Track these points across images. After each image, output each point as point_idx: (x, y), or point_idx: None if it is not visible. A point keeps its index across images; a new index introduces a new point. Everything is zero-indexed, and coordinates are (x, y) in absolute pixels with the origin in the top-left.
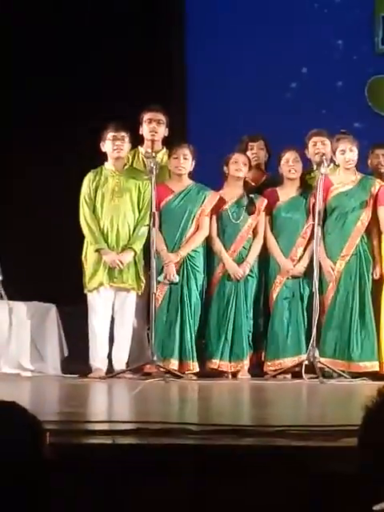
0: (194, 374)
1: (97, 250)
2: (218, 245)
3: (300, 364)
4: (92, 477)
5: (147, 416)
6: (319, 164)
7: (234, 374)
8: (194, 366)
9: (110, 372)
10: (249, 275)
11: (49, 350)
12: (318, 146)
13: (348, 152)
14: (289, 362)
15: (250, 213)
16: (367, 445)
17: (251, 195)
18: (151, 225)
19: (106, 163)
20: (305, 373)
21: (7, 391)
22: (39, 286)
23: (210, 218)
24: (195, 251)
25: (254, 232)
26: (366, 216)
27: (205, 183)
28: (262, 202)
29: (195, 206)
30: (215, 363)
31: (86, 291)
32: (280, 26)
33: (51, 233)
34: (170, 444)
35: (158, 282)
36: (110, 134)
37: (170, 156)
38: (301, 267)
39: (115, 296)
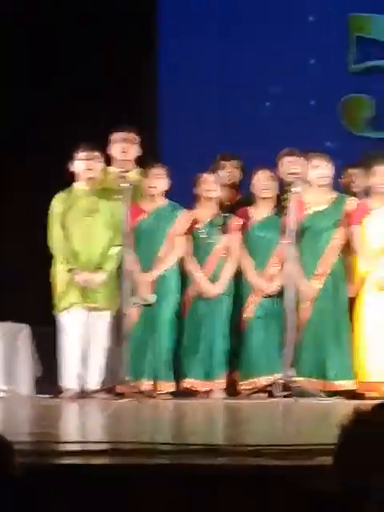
0: (168, 393)
1: (69, 270)
2: (191, 264)
3: (275, 383)
4: (63, 497)
5: (120, 436)
6: (292, 183)
7: (208, 394)
8: (168, 386)
9: (83, 392)
10: (223, 294)
11: (21, 370)
12: (290, 165)
13: (322, 168)
14: (263, 380)
15: (223, 232)
16: (343, 463)
17: (224, 214)
18: (124, 244)
19: (76, 183)
20: (279, 391)
21: None
22: (11, 306)
23: (184, 238)
24: (168, 271)
25: (228, 251)
26: (339, 235)
27: (179, 203)
28: (235, 221)
29: (168, 225)
30: (189, 382)
31: (56, 312)
32: (253, 45)
33: (24, 252)
34: (143, 464)
35: (133, 303)
36: (81, 154)
37: (143, 176)
38: (274, 286)
39: (87, 316)
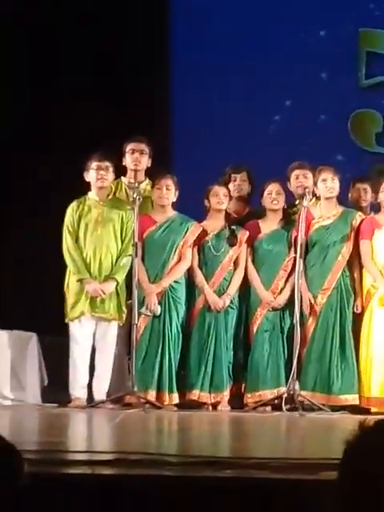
0: (174, 405)
1: (79, 280)
2: (199, 276)
3: (280, 396)
4: (70, 507)
5: (126, 446)
6: (301, 197)
7: (214, 406)
8: (174, 398)
9: (90, 401)
10: (229, 307)
11: (29, 379)
12: (301, 178)
13: (330, 181)
14: (268, 394)
15: (231, 244)
16: (348, 478)
17: (233, 227)
18: (134, 255)
19: (89, 193)
20: (285, 405)
21: None
22: (20, 315)
23: (192, 250)
24: (177, 282)
25: (235, 264)
26: (347, 250)
27: (188, 214)
28: (243, 234)
29: (178, 237)
30: (195, 394)
31: (67, 320)
32: (265, 59)
33: (33, 262)
34: (149, 475)
35: (140, 313)
36: (94, 164)
37: (153, 187)
38: (281, 299)
39: (96, 326)
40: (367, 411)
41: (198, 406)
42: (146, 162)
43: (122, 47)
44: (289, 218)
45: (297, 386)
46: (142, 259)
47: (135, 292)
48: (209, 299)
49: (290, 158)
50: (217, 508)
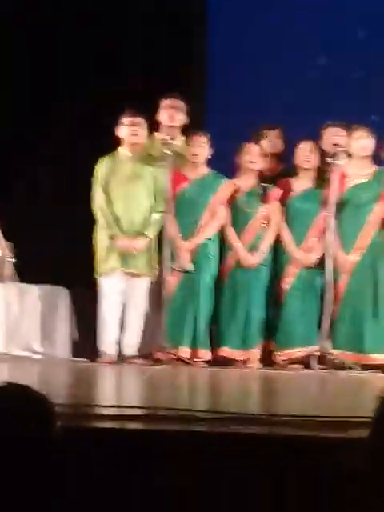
0: (205, 361)
1: (110, 236)
2: (231, 234)
3: (311, 355)
4: (99, 460)
5: (155, 402)
6: (334, 155)
7: (245, 363)
8: (205, 354)
9: (121, 357)
10: (261, 264)
11: (59, 334)
12: (334, 137)
13: (364, 140)
14: (299, 352)
15: (263, 202)
16: (379, 434)
17: (265, 184)
18: (166, 212)
19: (120, 148)
20: (316, 364)
21: (17, 373)
22: (52, 269)
23: (225, 207)
24: (209, 239)
25: (268, 222)
26: (380, 209)
27: (222, 172)
28: (275, 192)
29: (210, 194)
30: (226, 351)
31: (97, 276)
32: (302, 14)
33: (64, 216)
34: (178, 431)
35: (172, 270)
36: (126, 119)
37: (187, 143)
38: (313, 258)
39: (127, 282)
40: None
41: (229, 362)
42: (181, 118)
43: (161, 3)
44: (322, 177)
45: (328, 345)
46: (175, 216)
47: (167, 248)
48: (241, 256)
49: (324, 117)
50: (245, 464)
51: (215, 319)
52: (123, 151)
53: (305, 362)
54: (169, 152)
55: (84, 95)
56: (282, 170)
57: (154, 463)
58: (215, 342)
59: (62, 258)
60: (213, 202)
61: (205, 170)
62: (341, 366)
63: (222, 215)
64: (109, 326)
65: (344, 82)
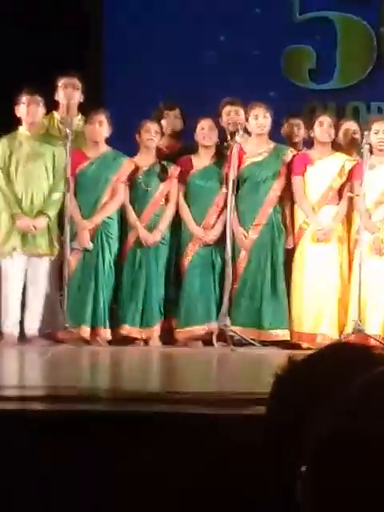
0: (106, 340)
1: (11, 216)
2: (130, 212)
3: (211, 332)
4: (1, 442)
5: (58, 382)
6: (233, 133)
7: (146, 341)
8: (106, 333)
9: (22, 338)
10: (161, 242)
11: None
12: (232, 115)
13: (261, 118)
14: (199, 329)
15: (162, 180)
16: (275, 411)
17: (164, 162)
18: (66, 191)
19: (20, 127)
20: (216, 340)
21: None
22: None
23: (125, 186)
24: (109, 218)
25: (167, 199)
26: (278, 186)
27: (121, 150)
28: (174, 170)
29: (111, 172)
30: (126, 329)
31: None
32: None
33: None
34: (80, 410)
35: (72, 249)
36: (24, 98)
37: (86, 122)
38: (213, 235)
39: (28, 262)
40: (298, 347)
41: (130, 341)
42: (78, 96)
43: None
44: (221, 154)
45: (228, 322)
46: (75, 195)
47: (67, 228)
48: (140, 235)
49: (223, 93)
50: (148, 443)
51: (116, 298)
52: (22, 131)
53: (205, 339)
54: (68, 131)
55: None
56: (181, 147)
57: (55, 442)
58: (116, 321)
59: None
60: (113, 180)
61: (104, 148)
62: (240, 343)
63: (122, 194)
64: (11, 306)
65: (242, 59)
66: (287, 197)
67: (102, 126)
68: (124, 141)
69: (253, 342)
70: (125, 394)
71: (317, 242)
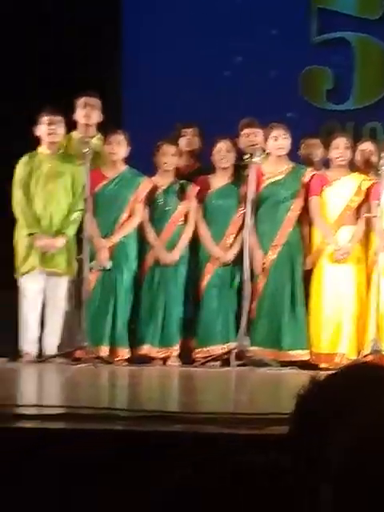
0: (125, 360)
1: (29, 234)
2: (149, 231)
3: (229, 352)
4: (20, 460)
5: (76, 401)
6: (251, 154)
7: (164, 361)
8: (125, 353)
9: (41, 356)
10: (179, 262)
11: None
12: (251, 136)
13: (281, 139)
14: (218, 349)
15: (181, 199)
16: (299, 432)
17: (182, 182)
18: (85, 210)
19: (39, 147)
20: (234, 360)
21: None
22: None
23: (143, 205)
24: (128, 237)
25: (185, 219)
26: (297, 206)
27: (139, 169)
28: (193, 189)
29: (129, 192)
30: (145, 349)
31: (17, 275)
32: (216, 14)
33: None
34: (99, 429)
35: (91, 268)
36: (44, 118)
37: (104, 142)
38: (231, 255)
39: (47, 281)
40: (316, 367)
41: (148, 360)
42: (97, 116)
43: (74, 5)
44: (239, 174)
45: (246, 342)
46: (93, 214)
47: (86, 247)
48: (158, 254)
49: (240, 114)
50: (166, 462)
51: (134, 317)
52: (42, 150)
53: (223, 359)
54: (87, 150)
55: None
56: (199, 167)
57: (75, 462)
58: (135, 340)
59: None
60: (131, 200)
61: (123, 167)
62: (259, 363)
63: (141, 213)
64: (29, 325)
65: (260, 80)
66: (305, 217)
67: (120, 146)
68: (142, 160)
69: (271, 362)
70: (143, 413)
71: (335, 262)
